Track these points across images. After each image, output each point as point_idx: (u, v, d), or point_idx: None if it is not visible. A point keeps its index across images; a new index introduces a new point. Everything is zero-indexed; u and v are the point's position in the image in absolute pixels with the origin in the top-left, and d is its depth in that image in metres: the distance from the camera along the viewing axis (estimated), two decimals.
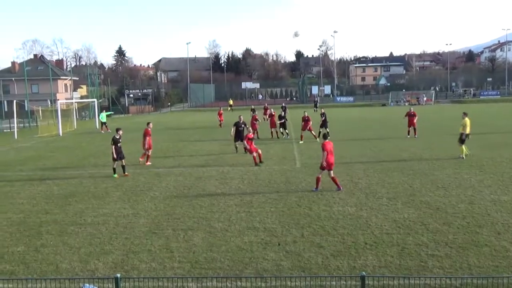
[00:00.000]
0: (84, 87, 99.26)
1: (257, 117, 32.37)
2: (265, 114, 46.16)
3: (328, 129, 31.07)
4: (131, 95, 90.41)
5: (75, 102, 59.24)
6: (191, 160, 24.22)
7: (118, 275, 6.85)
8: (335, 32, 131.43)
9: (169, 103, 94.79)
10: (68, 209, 14.77)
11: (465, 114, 23.11)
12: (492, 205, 13.77)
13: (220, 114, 45.90)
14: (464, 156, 21.87)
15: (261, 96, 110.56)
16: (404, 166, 20.39)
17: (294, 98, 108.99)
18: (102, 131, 43.38)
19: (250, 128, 27.76)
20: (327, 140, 16.46)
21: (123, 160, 20.29)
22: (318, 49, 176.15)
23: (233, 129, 25.94)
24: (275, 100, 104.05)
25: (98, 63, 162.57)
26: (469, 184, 16.49)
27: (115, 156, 19.94)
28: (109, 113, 47.37)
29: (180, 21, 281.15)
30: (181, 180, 18.76)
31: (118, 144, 20.11)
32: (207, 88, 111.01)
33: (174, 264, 9.97)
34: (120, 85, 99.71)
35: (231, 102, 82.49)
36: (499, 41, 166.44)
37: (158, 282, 8.71)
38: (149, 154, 23.25)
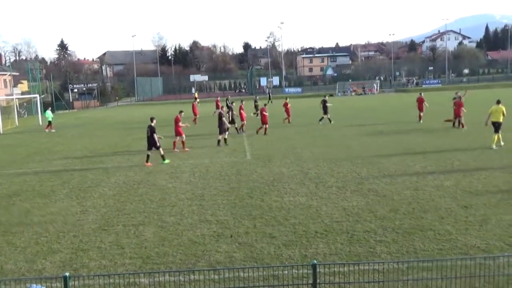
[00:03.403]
0: (25, 82, 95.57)
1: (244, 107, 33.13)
2: (217, 108, 45.33)
3: (328, 115, 34.59)
4: (75, 90, 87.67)
5: (15, 98, 56.91)
6: (141, 155, 23.81)
7: (67, 273, 6.68)
8: (281, 23, 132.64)
9: (116, 98, 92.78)
10: (13, 209, 14.24)
11: (498, 102, 21.83)
12: (436, 190, 14.30)
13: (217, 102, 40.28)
14: (495, 146, 21.03)
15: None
16: (352, 155, 20.84)
17: (243, 90, 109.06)
18: (47, 130, 39.77)
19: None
20: None
21: (151, 151, 20.84)
22: (266, 40, 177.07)
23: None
24: (224, 92, 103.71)
25: (39, 57, 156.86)
26: (414, 171, 17.06)
27: (158, 144, 20.60)
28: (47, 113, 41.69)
29: (124, 13, 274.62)
30: (131, 176, 18.45)
31: (147, 135, 20.72)
32: (155, 82, 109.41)
33: (125, 260, 9.82)
34: (63, 79, 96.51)
35: (196, 94, 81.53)
36: (439, 30, 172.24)
37: (109, 279, 8.54)
38: (184, 140, 24.51)
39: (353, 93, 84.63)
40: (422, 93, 34.94)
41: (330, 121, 34.30)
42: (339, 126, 33.14)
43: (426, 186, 14.88)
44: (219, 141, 25.59)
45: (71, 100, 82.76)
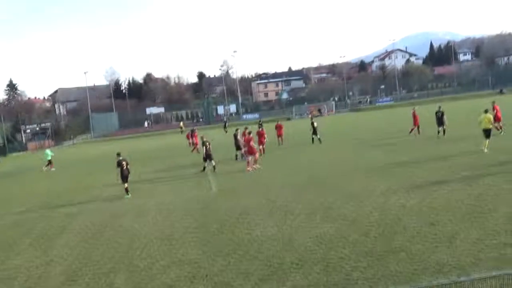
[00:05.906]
0: None
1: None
2: (194, 137, 44.67)
3: (319, 136, 35.73)
4: (28, 131, 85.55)
5: None
6: (104, 195, 23.31)
7: None
8: (234, 51, 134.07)
9: (71, 136, 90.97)
10: None
11: (485, 111, 24.32)
12: (402, 210, 14.50)
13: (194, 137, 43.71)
14: (486, 149, 22.93)
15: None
16: (316, 180, 20.99)
17: (201, 119, 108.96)
18: (44, 169, 38.78)
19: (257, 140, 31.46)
20: None
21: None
22: (220, 69, 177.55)
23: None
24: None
25: None
26: (379, 192, 17.24)
27: (118, 178, 21.67)
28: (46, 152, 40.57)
29: (74, 50, 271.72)
30: (95, 219, 17.95)
31: (124, 168, 21.49)
32: (110, 117, 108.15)
33: None
34: (14, 120, 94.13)
35: (181, 124, 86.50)
36: (386, 50, 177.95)
37: None
38: (256, 157, 26.30)
39: (309, 115, 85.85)
40: (416, 107, 36.97)
41: (320, 141, 35.55)
42: (299, 149, 33.43)
43: (393, 206, 15.07)
44: (242, 155, 29.39)
45: (24, 141, 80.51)
